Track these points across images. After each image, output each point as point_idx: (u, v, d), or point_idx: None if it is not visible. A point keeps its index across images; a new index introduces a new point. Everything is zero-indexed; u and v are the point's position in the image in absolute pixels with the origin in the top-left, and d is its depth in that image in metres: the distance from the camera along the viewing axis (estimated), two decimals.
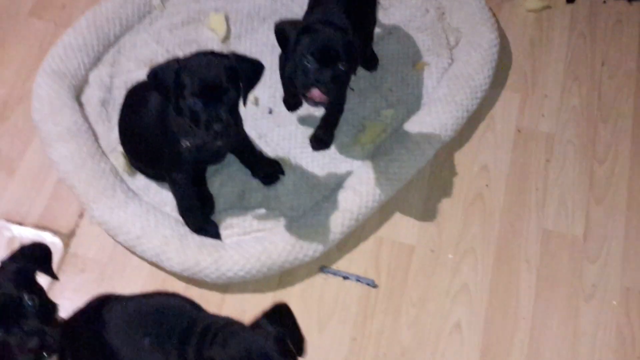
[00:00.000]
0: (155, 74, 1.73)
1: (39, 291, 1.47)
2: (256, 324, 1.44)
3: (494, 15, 2.46)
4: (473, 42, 2.37)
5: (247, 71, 1.75)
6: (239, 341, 1.40)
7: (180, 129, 1.83)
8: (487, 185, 2.18)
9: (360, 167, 2.15)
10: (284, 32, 1.85)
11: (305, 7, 2.31)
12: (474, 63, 2.31)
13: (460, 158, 2.23)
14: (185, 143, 1.84)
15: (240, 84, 1.73)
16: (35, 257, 1.52)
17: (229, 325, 1.52)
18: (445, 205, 2.15)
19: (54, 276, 1.55)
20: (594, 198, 2.18)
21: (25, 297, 1.41)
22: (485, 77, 2.29)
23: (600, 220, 2.14)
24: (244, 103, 1.77)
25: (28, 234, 2.05)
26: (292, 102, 2.25)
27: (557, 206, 2.16)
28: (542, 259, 2.08)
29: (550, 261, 2.08)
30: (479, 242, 2.09)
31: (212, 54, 1.75)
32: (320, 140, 2.20)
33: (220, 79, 1.68)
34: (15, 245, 1.97)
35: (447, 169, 2.21)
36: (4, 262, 1.48)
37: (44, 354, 1.42)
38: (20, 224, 2.07)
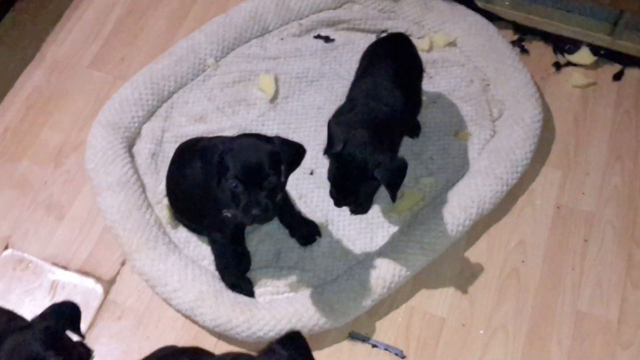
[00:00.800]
0: (203, 152, 1.80)
1: (67, 350, 1.52)
2: (269, 349, 1.45)
3: (539, 89, 2.48)
4: (516, 116, 2.39)
5: (290, 155, 1.81)
6: None
7: (222, 199, 1.89)
8: (523, 261, 2.18)
9: (395, 234, 2.18)
10: (330, 132, 1.92)
11: (352, 71, 2.39)
12: (516, 137, 2.33)
13: (498, 231, 2.23)
14: (226, 213, 1.90)
15: (282, 167, 1.79)
16: (65, 316, 1.58)
17: (241, 356, 1.56)
18: (479, 278, 2.15)
19: (81, 335, 1.60)
20: (631, 282, 2.15)
21: (51, 357, 1.46)
22: (526, 151, 2.31)
23: (637, 306, 2.10)
24: (284, 185, 1.83)
25: (71, 279, 2.14)
26: None
27: (592, 288, 2.14)
28: (574, 341, 2.05)
29: (582, 344, 2.04)
30: (511, 319, 2.07)
31: (257, 137, 1.82)
32: (359, 205, 2.24)
33: (263, 165, 1.74)
34: (58, 289, 2.08)
35: (483, 242, 2.21)
36: (33, 321, 1.54)
37: None
38: (64, 268, 2.16)
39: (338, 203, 1.94)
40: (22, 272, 2.15)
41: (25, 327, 1.51)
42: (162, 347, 1.90)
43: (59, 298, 2.07)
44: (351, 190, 1.90)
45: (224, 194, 1.81)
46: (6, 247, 2.20)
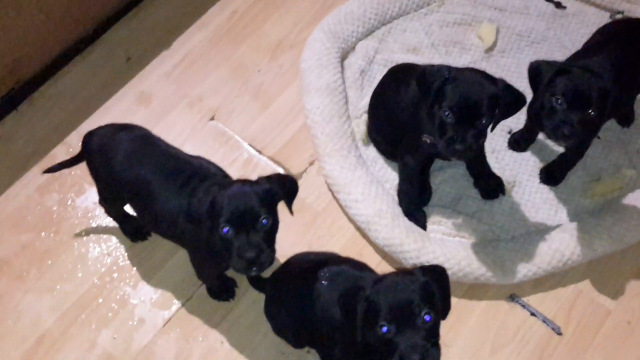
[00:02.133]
0: (424, 73, 1.80)
1: (274, 217, 1.60)
2: (409, 271, 1.47)
3: None
4: None
5: (508, 101, 1.78)
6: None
7: (426, 124, 1.90)
8: None
9: (584, 215, 2.11)
10: (538, 70, 1.85)
11: (576, 43, 2.30)
12: None
13: None
14: (426, 139, 1.92)
15: (496, 111, 1.77)
16: (285, 187, 1.64)
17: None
18: None
19: (291, 211, 1.66)
20: None
21: (263, 214, 1.55)
22: None
23: None
24: (492, 129, 1.81)
25: (263, 163, 2.26)
26: (522, 142, 2.23)
27: None
28: None
29: None
30: None
31: (483, 74, 1.80)
32: (552, 175, 2.18)
33: (480, 104, 1.72)
34: (250, 167, 2.21)
35: None
36: (260, 179, 1.63)
37: (254, 268, 1.56)
38: (259, 152, 2.28)
39: (564, 124, 1.79)
40: (222, 144, 2.30)
41: (250, 181, 1.61)
42: (326, 252, 1.98)
43: (250, 177, 2.18)
44: (586, 106, 1.79)
45: (432, 120, 1.82)
46: (212, 118, 2.35)
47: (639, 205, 2.08)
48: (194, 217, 1.58)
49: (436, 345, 1.38)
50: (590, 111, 1.79)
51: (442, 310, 1.44)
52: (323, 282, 1.65)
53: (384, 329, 1.37)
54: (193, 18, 2.54)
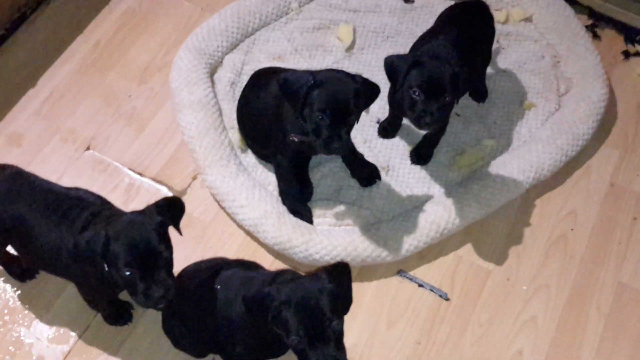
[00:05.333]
0: (287, 82, 1.91)
1: (170, 245, 1.62)
2: (316, 274, 1.56)
3: (606, 73, 2.54)
4: (583, 94, 2.46)
5: (368, 94, 1.93)
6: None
7: (291, 124, 2.01)
8: (572, 230, 2.26)
9: (453, 186, 2.28)
10: (392, 64, 2.01)
11: None
12: (580, 112, 2.40)
13: (551, 199, 2.32)
14: (293, 138, 2.02)
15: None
16: (173, 211, 1.66)
17: (286, 271, 1.70)
18: (528, 239, 2.23)
19: (179, 232, 1.68)
20: None
21: (163, 250, 1.57)
22: (588, 127, 2.38)
23: None
24: (357, 121, 1.95)
25: (145, 185, 2.28)
26: (389, 129, 2.39)
27: (636, 263, 2.21)
28: (612, 309, 2.13)
29: (620, 313, 2.12)
30: (554, 281, 2.16)
31: (342, 73, 1.93)
32: (420, 155, 2.34)
33: (349, 102, 1.86)
34: (133, 191, 2.23)
35: (536, 206, 2.30)
36: (147, 208, 1.63)
37: (162, 303, 1.58)
38: (140, 174, 2.31)
39: (425, 114, 1.95)
40: (101, 173, 2.30)
41: (141, 212, 1.61)
42: (215, 257, 2.03)
43: (134, 201, 2.22)
44: (440, 94, 1.94)
45: (301, 122, 1.93)
46: (87, 148, 2.35)
47: (501, 171, 2.28)
48: (84, 256, 1.57)
49: (343, 349, 1.48)
50: (445, 97, 1.96)
51: (345, 305, 1.55)
52: (217, 286, 1.70)
53: (296, 340, 1.46)
54: (56, 53, 2.54)
